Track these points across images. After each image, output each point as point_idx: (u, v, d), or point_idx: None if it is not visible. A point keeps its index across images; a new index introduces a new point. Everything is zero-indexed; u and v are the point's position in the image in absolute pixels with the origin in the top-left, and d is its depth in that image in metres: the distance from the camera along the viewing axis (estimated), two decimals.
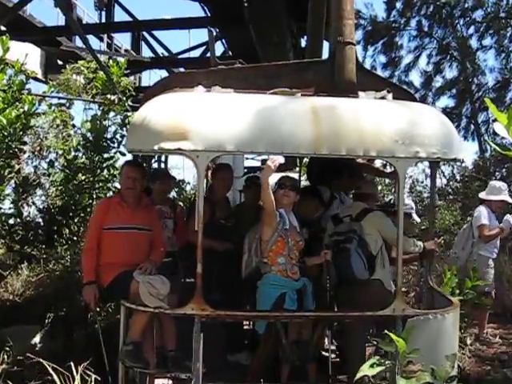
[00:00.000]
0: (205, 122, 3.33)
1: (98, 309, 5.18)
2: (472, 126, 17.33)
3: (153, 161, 6.47)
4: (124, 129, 6.53)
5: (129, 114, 6.67)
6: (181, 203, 6.31)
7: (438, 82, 17.73)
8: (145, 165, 5.65)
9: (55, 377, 2.94)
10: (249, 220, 4.48)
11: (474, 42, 16.87)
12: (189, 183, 7.34)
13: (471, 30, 16.75)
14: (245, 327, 5.40)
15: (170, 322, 4.07)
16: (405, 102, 3.74)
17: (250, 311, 3.72)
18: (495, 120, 1.94)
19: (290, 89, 3.80)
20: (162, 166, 6.07)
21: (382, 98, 3.73)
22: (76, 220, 6.23)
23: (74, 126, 7.12)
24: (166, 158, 5.89)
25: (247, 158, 12.05)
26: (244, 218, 4.87)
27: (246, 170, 11.72)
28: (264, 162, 10.82)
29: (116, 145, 6.54)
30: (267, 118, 3.37)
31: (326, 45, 6.27)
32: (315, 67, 4.04)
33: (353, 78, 3.87)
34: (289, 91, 3.78)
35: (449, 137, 3.56)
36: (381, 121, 3.47)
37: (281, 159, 3.48)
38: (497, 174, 11.65)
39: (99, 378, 3.24)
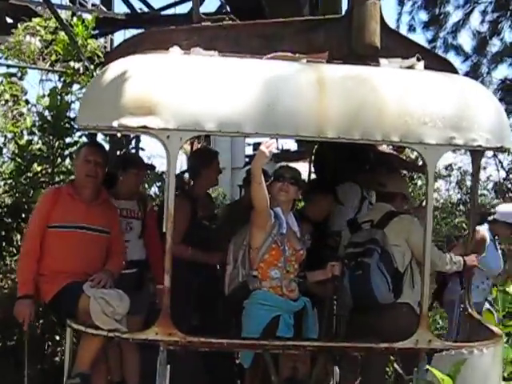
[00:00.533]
0: (179, 92, 3.30)
1: (57, 337, 5.16)
2: None
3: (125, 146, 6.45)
4: None
5: None
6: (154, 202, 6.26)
7: (494, 46, 17.28)
8: (119, 151, 5.60)
9: None
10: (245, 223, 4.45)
11: None
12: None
13: None
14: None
15: (133, 350, 4.10)
16: (440, 74, 3.69)
17: (232, 338, 3.69)
18: None
19: (293, 53, 3.79)
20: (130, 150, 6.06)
21: (411, 67, 3.70)
22: None
23: (27, 102, 7.12)
24: (138, 140, 5.87)
25: (249, 144, 11.99)
26: (238, 221, 4.85)
27: (247, 160, 11.65)
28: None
29: None
30: (260, 90, 3.32)
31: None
32: (327, 27, 3.99)
33: (375, 41, 3.81)
34: (291, 56, 3.76)
35: (495, 119, 3.52)
36: (406, 96, 3.42)
37: (275, 144, 3.46)
38: None
39: None
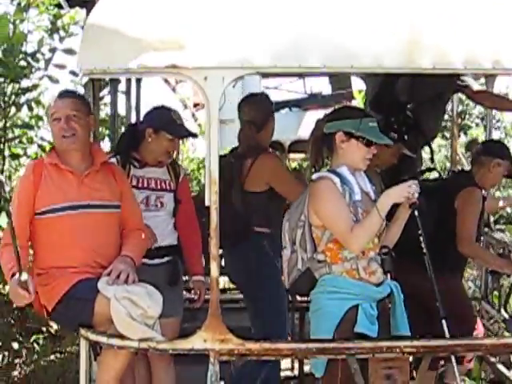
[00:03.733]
0: (218, 17, 3.22)
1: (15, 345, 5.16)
2: None
3: None
4: (56, 37, 6.57)
5: (63, 11, 6.56)
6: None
7: None
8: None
9: None
10: None
11: None
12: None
13: None
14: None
15: (166, 364, 4.13)
16: None
17: (299, 341, 3.68)
18: None
19: None
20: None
21: None
22: None
23: None
24: (139, 85, 5.81)
25: (267, 88, 11.81)
26: None
27: None
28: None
29: (42, 65, 6.49)
30: (323, 8, 3.26)
31: None
32: None
33: None
34: None
35: None
36: None
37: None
38: None
39: None
